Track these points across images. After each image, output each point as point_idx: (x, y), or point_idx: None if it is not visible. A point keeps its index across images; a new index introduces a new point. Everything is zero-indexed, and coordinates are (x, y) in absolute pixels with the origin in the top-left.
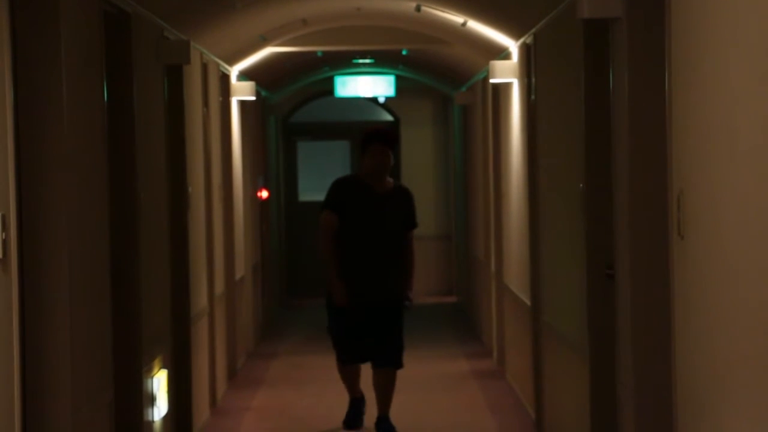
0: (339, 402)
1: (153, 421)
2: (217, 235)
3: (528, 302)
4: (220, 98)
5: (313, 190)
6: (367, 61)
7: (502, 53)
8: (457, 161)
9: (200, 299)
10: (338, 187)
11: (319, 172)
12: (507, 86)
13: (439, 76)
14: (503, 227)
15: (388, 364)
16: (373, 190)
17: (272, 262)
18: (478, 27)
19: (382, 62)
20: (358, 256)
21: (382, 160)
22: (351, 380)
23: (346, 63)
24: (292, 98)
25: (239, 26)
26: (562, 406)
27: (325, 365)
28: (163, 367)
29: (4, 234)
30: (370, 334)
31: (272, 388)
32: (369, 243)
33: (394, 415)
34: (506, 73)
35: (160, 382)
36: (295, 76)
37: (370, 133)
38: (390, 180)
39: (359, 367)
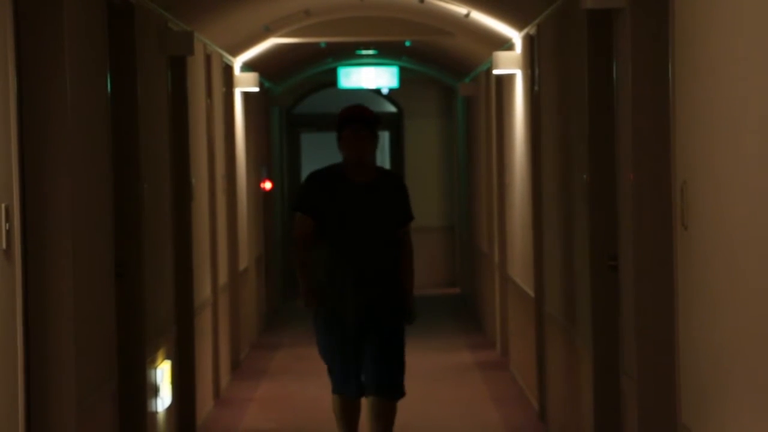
0: None
1: (157, 412)
2: (220, 227)
3: (531, 293)
4: (224, 89)
5: None
6: (371, 52)
7: (506, 44)
8: (460, 152)
9: (204, 290)
10: (310, 184)
11: (323, 164)
12: (510, 77)
13: (443, 68)
14: (506, 218)
15: (383, 394)
16: (351, 182)
17: (275, 253)
18: (482, 18)
19: (385, 53)
20: (338, 262)
21: (359, 145)
22: (345, 421)
23: (349, 54)
24: (296, 89)
25: (243, 17)
26: (565, 397)
27: None
28: (167, 357)
29: (7, 225)
30: (365, 357)
31: (275, 379)
32: (350, 246)
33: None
34: (510, 64)
35: (163, 372)
36: (298, 67)
37: (341, 117)
38: (375, 168)
39: (358, 404)
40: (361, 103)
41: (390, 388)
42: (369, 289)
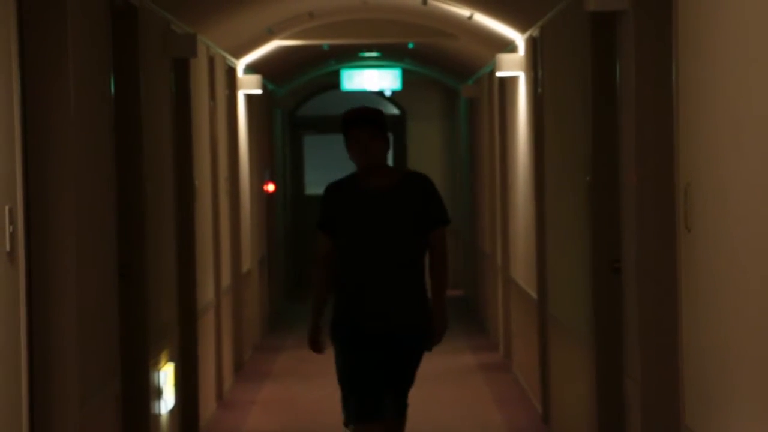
0: None
1: (160, 414)
2: (223, 229)
3: (534, 295)
4: (227, 92)
5: (319, 183)
6: (374, 54)
7: (509, 46)
8: (463, 154)
9: (207, 292)
10: (329, 196)
11: (325, 166)
12: (513, 79)
13: (446, 70)
14: (509, 220)
15: (396, 414)
16: (365, 190)
17: (278, 255)
18: (485, 20)
19: (388, 56)
20: (355, 277)
21: (371, 149)
22: None
23: (352, 56)
24: (299, 92)
25: (246, 19)
26: (568, 399)
27: (332, 359)
28: (170, 360)
29: (11, 227)
30: (380, 379)
31: (279, 381)
32: (366, 257)
33: None
34: (513, 66)
35: (166, 375)
36: (301, 69)
37: (344, 121)
38: (395, 170)
39: (378, 428)
40: (365, 104)
41: (401, 406)
42: (384, 303)
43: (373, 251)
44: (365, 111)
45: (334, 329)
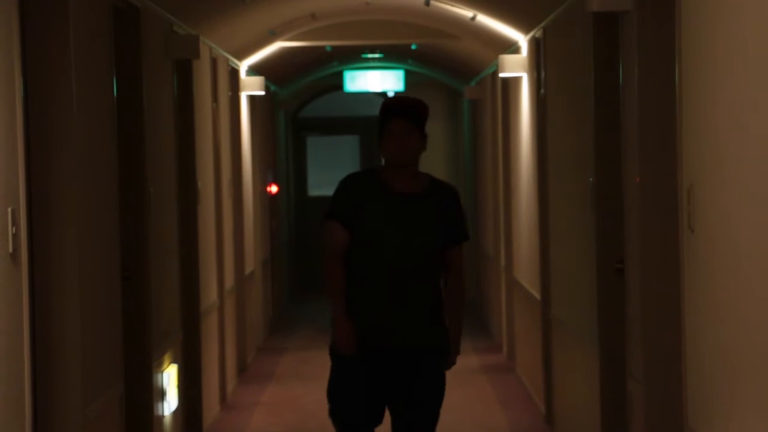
0: None
1: (163, 416)
2: (226, 230)
3: (538, 296)
4: (230, 93)
5: (322, 185)
6: (376, 55)
7: (512, 47)
8: (466, 155)
9: (210, 294)
10: (347, 188)
11: (329, 167)
12: (516, 80)
13: (449, 71)
14: (513, 221)
15: None
16: (393, 190)
17: (282, 256)
18: (487, 21)
19: (391, 57)
20: (369, 284)
21: (405, 144)
22: None
23: (355, 58)
24: (302, 93)
25: (248, 21)
26: (572, 400)
27: None
28: (173, 361)
29: (14, 228)
30: (387, 401)
31: (282, 382)
32: (386, 265)
33: None
34: (515, 67)
35: (170, 376)
36: (304, 70)
37: (386, 107)
38: (423, 174)
39: None
40: (369, 104)
41: None
42: (401, 317)
43: (391, 258)
44: (407, 101)
45: (335, 354)
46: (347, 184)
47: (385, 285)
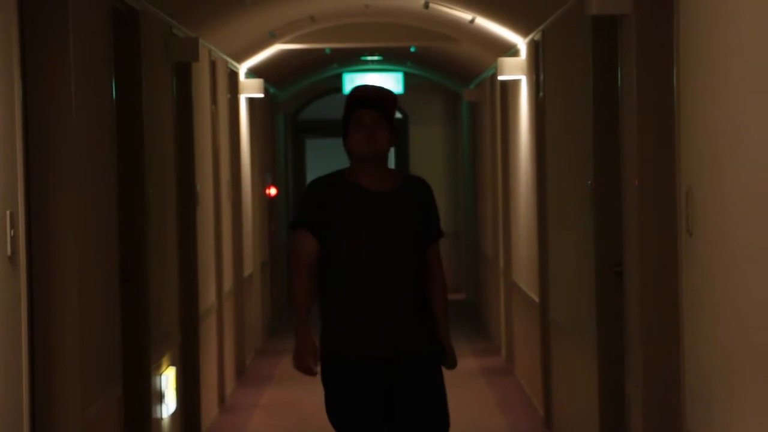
0: None
1: (161, 418)
2: (225, 233)
3: (536, 299)
4: (229, 95)
5: None
6: (376, 58)
7: (511, 50)
8: (465, 158)
9: (209, 296)
10: (316, 193)
11: (328, 170)
12: (515, 83)
13: (448, 73)
14: (512, 224)
15: None
16: (365, 190)
17: (280, 259)
18: (487, 24)
19: (390, 59)
20: (351, 292)
21: (375, 136)
22: None
23: (354, 60)
24: (301, 95)
25: (248, 23)
26: (570, 403)
27: None
28: (172, 364)
29: (12, 231)
30: (397, 415)
31: (281, 385)
32: (366, 270)
33: None
34: (514, 70)
35: (168, 379)
36: (303, 73)
37: (354, 96)
38: (394, 171)
39: None
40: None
41: None
42: (389, 323)
43: (375, 262)
44: (377, 90)
45: (325, 367)
46: (315, 189)
47: (370, 291)
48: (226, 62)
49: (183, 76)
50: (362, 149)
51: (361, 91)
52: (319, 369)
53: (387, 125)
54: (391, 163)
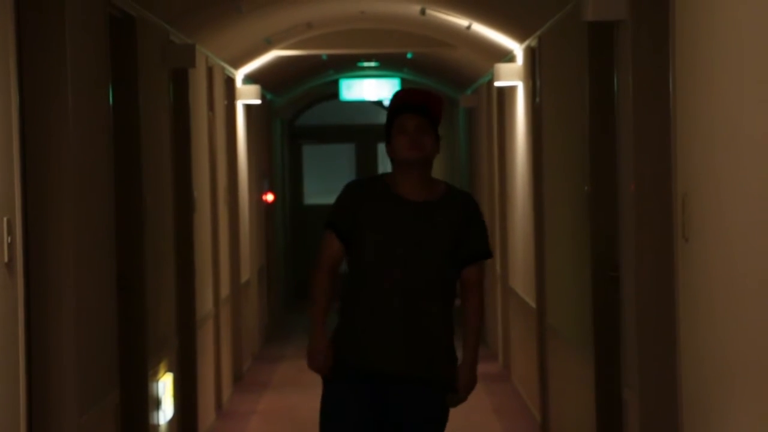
0: None
1: (159, 425)
2: (222, 239)
3: (533, 305)
4: (226, 102)
5: (318, 193)
6: (372, 64)
7: (507, 56)
8: (462, 164)
9: (206, 302)
10: (350, 194)
11: (325, 176)
12: (512, 89)
13: (444, 79)
14: (508, 230)
15: None
16: (403, 197)
17: (277, 265)
18: (483, 30)
19: (387, 65)
20: (370, 301)
21: (414, 141)
22: None
23: (351, 66)
24: (297, 101)
25: (244, 30)
26: (567, 409)
27: None
28: (169, 370)
29: (9, 238)
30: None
31: (278, 391)
32: (388, 282)
33: None
34: (511, 76)
35: (165, 385)
36: (300, 79)
37: (398, 100)
38: (438, 181)
39: None
40: (365, 112)
41: None
42: (406, 349)
43: (399, 274)
44: (422, 93)
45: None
46: (351, 191)
47: (390, 303)
48: (223, 68)
49: (180, 82)
50: (405, 155)
51: (406, 94)
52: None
53: (432, 131)
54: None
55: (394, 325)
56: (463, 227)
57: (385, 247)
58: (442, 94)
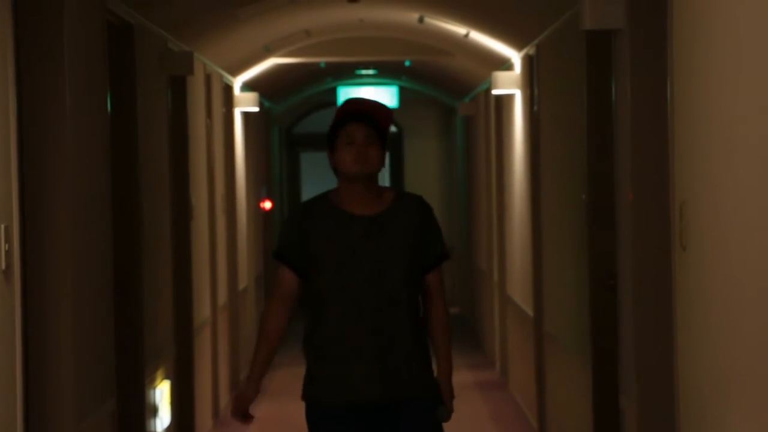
0: None
1: None
2: (220, 246)
3: (531, 313)
4: (224, 109)
5: None
6: (370, 72)
7: (505, 64)
8: (460, 172)
9: (203, 310)
10: (294, 221)
11: (322, 183)
12: (509, 97)
13: (442, 87)
14: (506, 238)
15: None
16: (349, 215)
17: (275, 272)
18: (481, 38)
19: (385, 73)
20: (335, 329)
21: (362, 153)
22: None
23: (349, 74)
24: (296, 109)
25: (242, 37)
26: (564, 416)
27: None
28: (166, 377)
29: (6, 245)
30: None
31: (275, 398)
32: (352, 305)
33: None
34: (509, 84)
35: (163, 392)
36: (298, 87)
37: (345, 109)
38: (387, 189)
39: None
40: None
41: None
42: (385, 370)
43: (363, 295)
44: (370, 104)
45: (309, 410)
46: (295, 217)
47: (357, 327)
48: (221, 76)
49: (178, 89)
50: (351, 168)
51: (353, 104)
52: (252, 415)
53: (379, 143)
54: (386, 177)
55: (366, 349)
56: (419, 234)
57: (343, 272)
58: (390, 108)
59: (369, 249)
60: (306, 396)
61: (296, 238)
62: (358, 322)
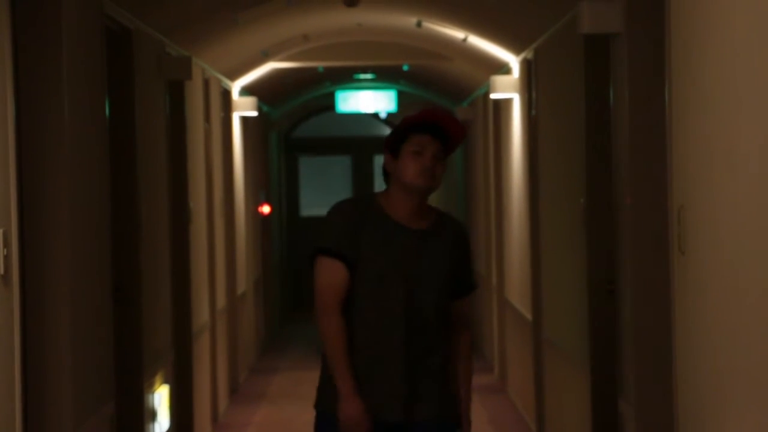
0: None
1: None
2: (218, 251)
3: (529, 317)
4: (222, 114)
5: (314, 205)
6: (369, 76)
7: (503, 68)
8: (458, 176)
9: (202, 314)
10: (344, 217)
11: (321, 188)
12: (508, 101)
13: (440, 91)
14: (504, 242)
15: None
16: (398, 224)
17: (274, 277)
18: (479, 42)
19: (383, 77)
20: (365, 338)
21: (429, 169)
22: None
23: (347, 78)
24: (294, 113)
25: (241, 42)
26: (563, 421)
27: None
28: (165, 382)
29: (5, 250)
30: None
31: (274, 403)
32: (386, 317)
33: None
34: (507, 88)
35: (161, 397)
36: (296, 91)
37: (418, 117)
38: (431, 207)
39: None
40: (361, 124)
41: None
42: (410, 391)
43: (400, 310)
44: (450, 120)
45: (323, 421)
46: (344, 214)
47: (390, 344)
48: (220, 80)
49: (176, 94)
50: (413, 180)
51: (433, 114)
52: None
53: (444, 160)
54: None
55: (394, 366)
56: (456, 260)
57: (383, 282)
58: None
59: (413, 263)
60: (321, 405)
61: (350, 233)
62: (387, 338)
